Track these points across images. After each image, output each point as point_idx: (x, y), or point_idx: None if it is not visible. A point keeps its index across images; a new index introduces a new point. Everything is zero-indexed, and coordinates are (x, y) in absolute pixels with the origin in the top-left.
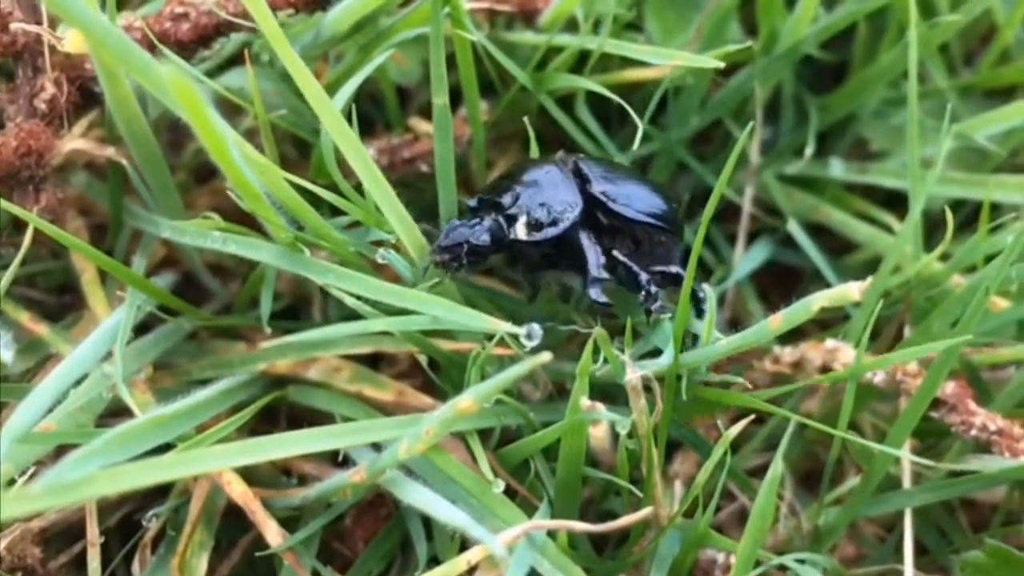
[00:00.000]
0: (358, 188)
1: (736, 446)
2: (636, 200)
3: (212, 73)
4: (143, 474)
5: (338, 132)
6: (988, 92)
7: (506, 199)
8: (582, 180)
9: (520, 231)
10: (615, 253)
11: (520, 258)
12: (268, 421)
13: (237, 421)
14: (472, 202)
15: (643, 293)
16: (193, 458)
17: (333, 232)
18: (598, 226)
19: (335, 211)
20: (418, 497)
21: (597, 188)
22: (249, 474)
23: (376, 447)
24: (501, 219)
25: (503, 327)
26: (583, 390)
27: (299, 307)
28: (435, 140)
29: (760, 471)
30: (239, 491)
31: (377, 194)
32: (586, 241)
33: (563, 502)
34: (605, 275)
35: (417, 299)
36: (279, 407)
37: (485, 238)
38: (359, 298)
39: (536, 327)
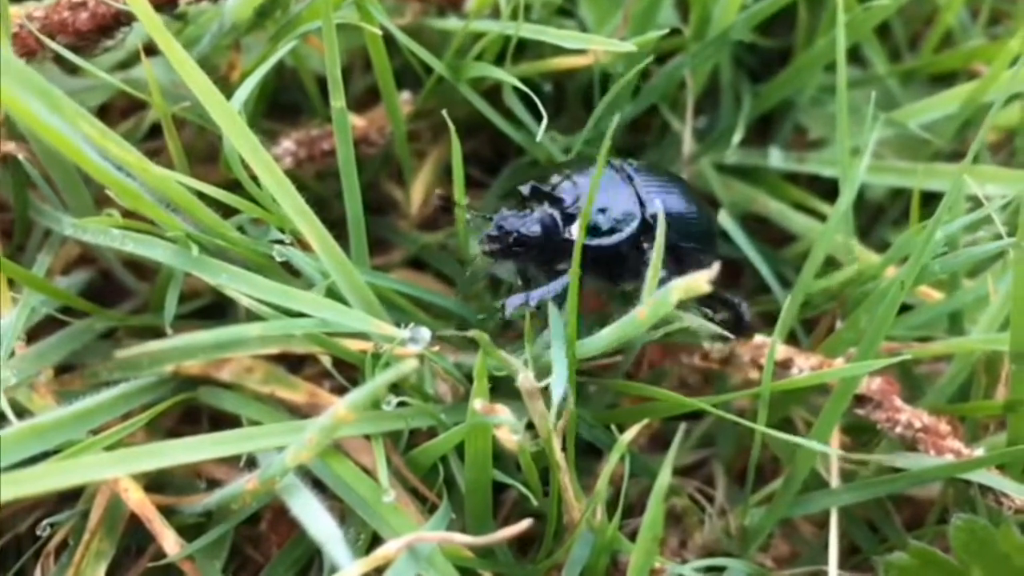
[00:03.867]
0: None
1: (667, 443)
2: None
3: (125, 64)
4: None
5: (231, 128)
6: (933, 78)
7: (567, 196)
8: (638, 196)
9: (576, 232)
10: None
11: (561, 258)
12: (191, 422)
13: (130, 427)
14: (525, 189)
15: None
16: (62, 469)
17: (229, 230)
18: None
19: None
20: (298, 506)
21: (651, 211)
22: (161, 479)
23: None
24: (557, 214)
25: (388, 330)
26: (482, 392)
27: (226, 305)
28: (336, 143)
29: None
30: (136, 498)
31: (276, 190)
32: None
33: (474, 505)
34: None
35: (306, 300)
36: (200, 408)
37: (535, 229)
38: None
39: (422, 331)
